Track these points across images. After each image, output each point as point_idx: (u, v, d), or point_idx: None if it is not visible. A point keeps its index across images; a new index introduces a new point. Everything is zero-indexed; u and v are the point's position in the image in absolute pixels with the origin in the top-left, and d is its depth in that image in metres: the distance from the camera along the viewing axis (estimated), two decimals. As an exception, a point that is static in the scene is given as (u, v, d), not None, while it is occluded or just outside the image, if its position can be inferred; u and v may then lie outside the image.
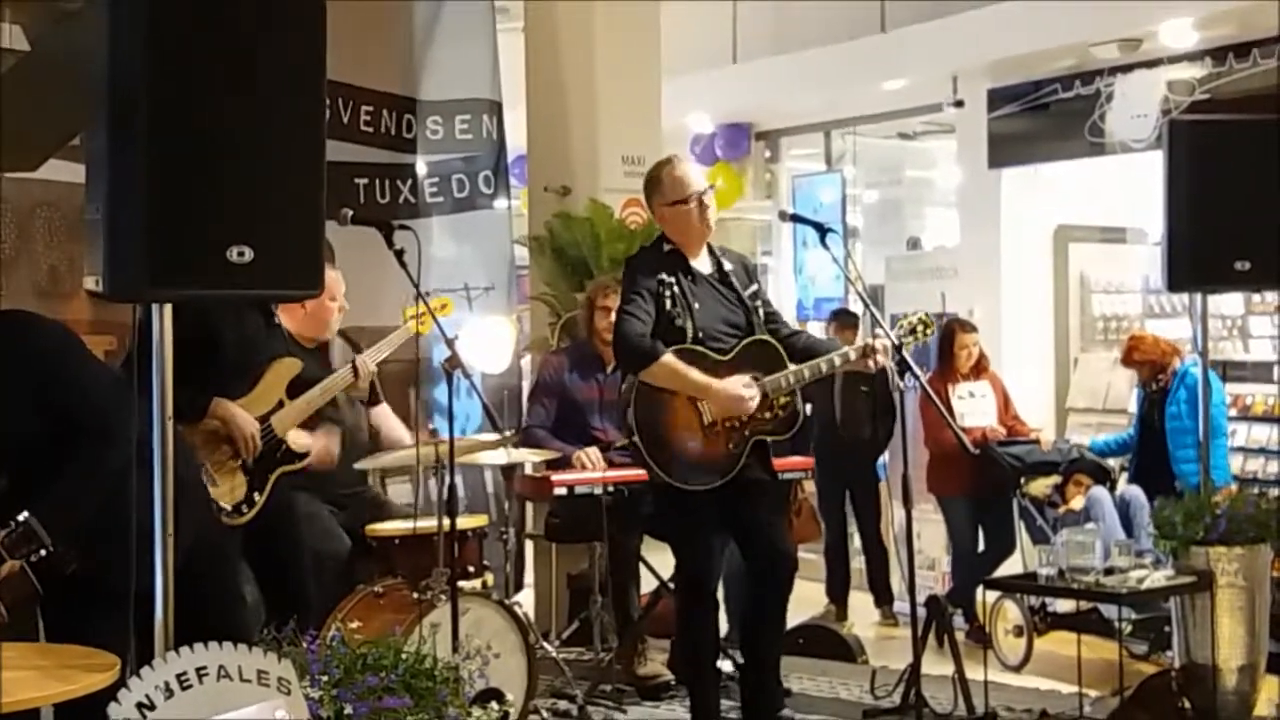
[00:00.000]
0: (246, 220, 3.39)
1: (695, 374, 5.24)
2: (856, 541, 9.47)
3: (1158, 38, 9.22)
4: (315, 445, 5.56)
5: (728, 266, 5.52)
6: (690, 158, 5.67)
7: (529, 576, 8.12)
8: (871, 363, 5.41)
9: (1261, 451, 9.37)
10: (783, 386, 5.36)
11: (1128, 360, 8.33)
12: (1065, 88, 10.09)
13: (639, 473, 5.67)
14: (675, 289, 5.33)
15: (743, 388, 5.27)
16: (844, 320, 9.40)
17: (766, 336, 5.45)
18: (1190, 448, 7.75)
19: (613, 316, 6.66)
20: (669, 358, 5.22)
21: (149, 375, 3.46)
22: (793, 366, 5.39)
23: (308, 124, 3.52)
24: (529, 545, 8.00)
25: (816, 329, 10.15)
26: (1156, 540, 6.10)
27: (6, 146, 6.08)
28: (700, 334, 5.32)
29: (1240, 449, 9.33)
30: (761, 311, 5.51)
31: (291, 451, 5.35)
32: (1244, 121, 6.29)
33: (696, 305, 5.36)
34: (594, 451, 6.60)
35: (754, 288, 5.56)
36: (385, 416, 6.21)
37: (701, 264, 5.48)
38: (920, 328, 5.59)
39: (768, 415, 5.37)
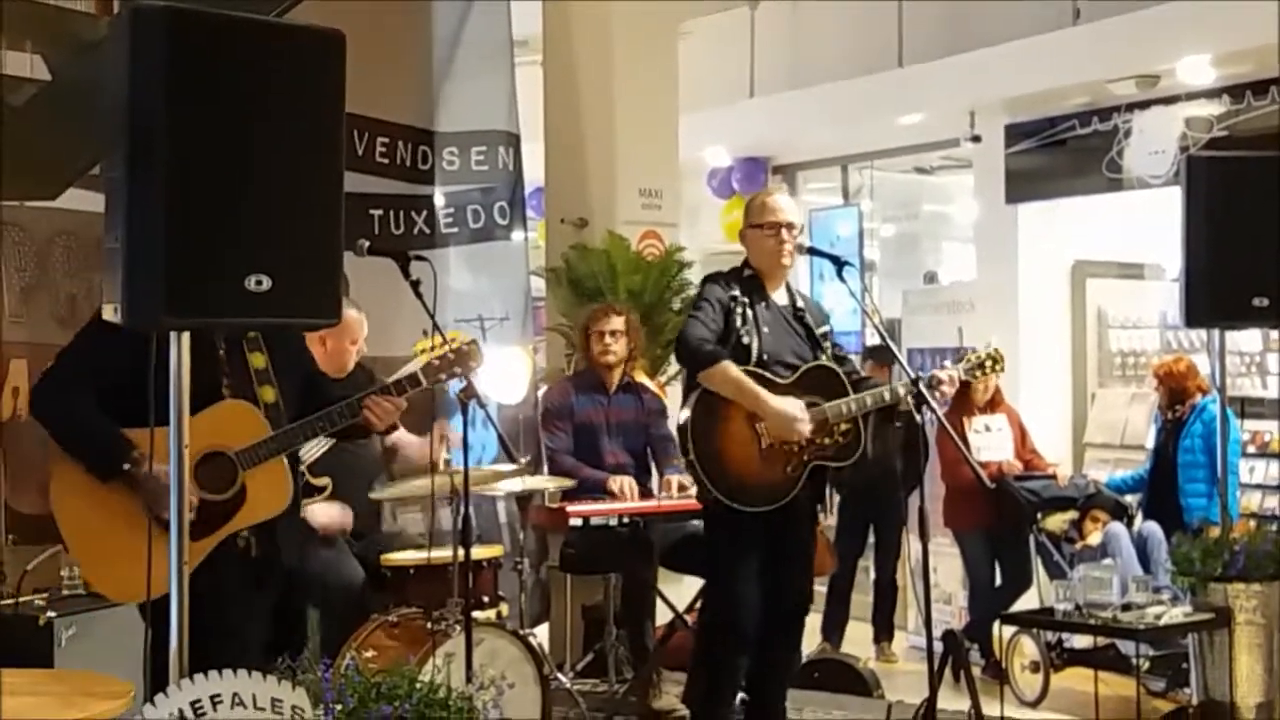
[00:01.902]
0: (264, 249, 3.39)
1: (751, 384, 5.25)
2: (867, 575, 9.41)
3: (1176, 74, 9.22)
4: (331, 514, 5.69)
5: (801, 304, 5.58)
6: (783, 192, 5.70)
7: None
8: (938, 394, 5.37)
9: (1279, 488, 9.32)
10: (844, 413, 5.37)
11: (1156, 379, 8.32)
12: (1083, 124, 10.08)
13: (654, 505, 5.63)
14: (747, 309, 5.37)
15: (798, 409, 5.26)
16: (880, 357, 9.34)
17: (829, 362, 5.46)
18: (1200, 482, 7.77)
19: (607, 340, 6.78)
20: (728, 363, 5.24)
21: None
22: (853, 395, 5.40)
23: (326, 153, 3.53)
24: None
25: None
26: (1174, 576, 6.08)
27: (27, 175, 6.11)
28: (765, 357, 5.35)
29: (1258, 486, 9.29)
30: (830, 351, 5.54)
31: (309, 484, 5.33)
32: (1262, 158, 6.29)
33: (765, 330, 5.39)
34: (627, 479, 6.60)
35: (825, 329, 5.60)
36: (401, 437, 6.20)
37: (779, 296, 5.54)
38: (989, 363, 5.55)
39: (827, 441, 5.38)
